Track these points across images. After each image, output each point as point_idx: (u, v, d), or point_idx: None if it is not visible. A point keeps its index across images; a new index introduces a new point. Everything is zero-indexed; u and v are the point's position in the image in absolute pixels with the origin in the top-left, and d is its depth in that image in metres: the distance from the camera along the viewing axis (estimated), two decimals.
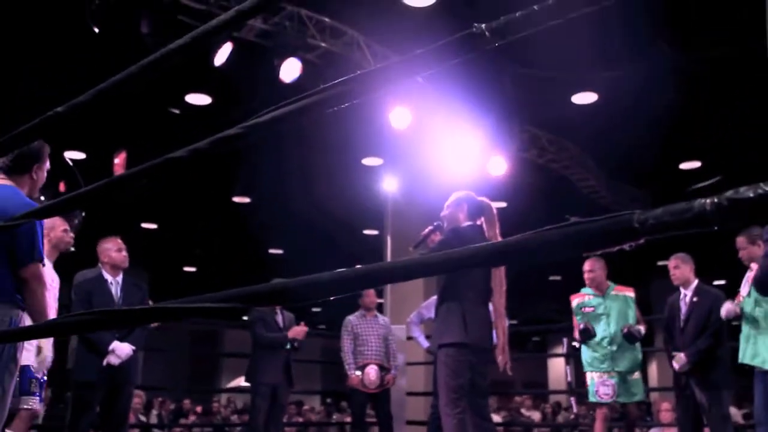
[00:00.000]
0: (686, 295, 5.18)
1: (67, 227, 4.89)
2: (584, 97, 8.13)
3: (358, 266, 1.31)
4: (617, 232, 1.00)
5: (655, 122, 8.46)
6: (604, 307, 5.42)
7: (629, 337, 5.28)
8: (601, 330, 5.36)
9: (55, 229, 4.68)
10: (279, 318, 6.27)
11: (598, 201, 10.34)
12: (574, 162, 9.67)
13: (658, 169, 10.15)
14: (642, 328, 5.36)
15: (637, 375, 5.40)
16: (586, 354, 5.46)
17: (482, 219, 4.27)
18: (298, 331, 6.22)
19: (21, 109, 3.55)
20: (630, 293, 5.52)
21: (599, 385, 5.30)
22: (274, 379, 6.11)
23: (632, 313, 5.42)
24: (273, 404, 6.16)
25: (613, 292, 5.50)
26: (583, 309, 5.49)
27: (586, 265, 5.56)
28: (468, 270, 3.91)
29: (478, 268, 3.93)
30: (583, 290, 5.61)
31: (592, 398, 5.38)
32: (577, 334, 5.49)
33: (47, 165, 3.30)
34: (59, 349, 5.09)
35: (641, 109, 8.15)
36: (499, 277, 4.14)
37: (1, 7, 6.37)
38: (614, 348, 5.30)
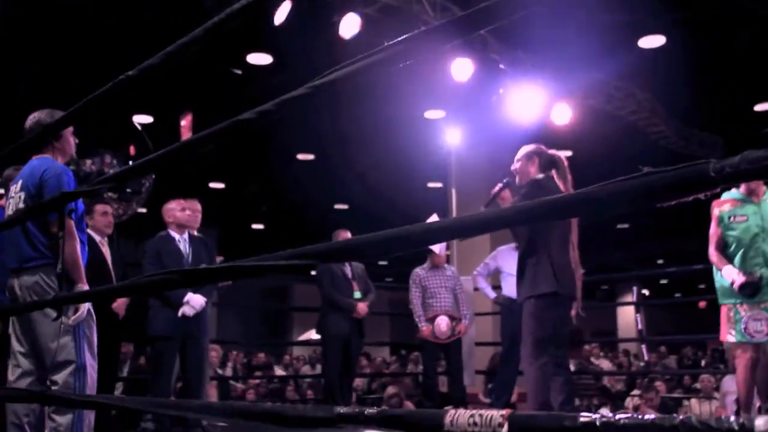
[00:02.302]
0: None
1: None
2: (652, 41, 7.86)
3: (433, 221, 1.32)
4: (693, 182, 0.99)
5: (727, 63, 8.15)
6: (759, 218, 4.21)
7: None
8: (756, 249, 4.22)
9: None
10: (347, 269, 6.33)
11: (668, 147, 10.07)
12: (642, 108, 9.41)
13: (732, 112, 9.80)
14: None
15: None
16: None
17: (554, 172, 4.22)
18: (361, 309, 6.19)
19: (21, 109, 3.74)
20: None
21: (749, 320, 4.17)
22: (344, 331, 6.20)
23: None
24: (345, 356, 6.25)
25: None
26: (732, 219, 4.27)
27: None
28: (554, 221, 3.90)
29: (561, 220, 3.90)
30: (729, 194, 4.33)
31: (740, 338, 4.23)
32: (736, 285, 4.17)
33: (69, 129, 3.53)
34: (139, 306, 5.30)
35: (712, 51, 7.85)
36: (574, 225, 4.11)
37: (1, 7, 6.50)
38: None
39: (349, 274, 6.31)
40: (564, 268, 4.02)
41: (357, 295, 6.25)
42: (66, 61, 7.27)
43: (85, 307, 3.27)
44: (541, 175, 4.20)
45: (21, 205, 3.35)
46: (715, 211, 4.38)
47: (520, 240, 4.29)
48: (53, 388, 3.14)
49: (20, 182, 3.43)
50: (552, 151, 4.28)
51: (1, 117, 7.64)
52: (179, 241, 5.19)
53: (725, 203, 4.33)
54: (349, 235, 6.27)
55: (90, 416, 3.26)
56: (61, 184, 3.23)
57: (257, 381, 10.79)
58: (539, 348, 3.97)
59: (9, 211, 3.48)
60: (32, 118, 3.49)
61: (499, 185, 4.45)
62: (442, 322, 6.48)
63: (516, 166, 4.32)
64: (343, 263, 6.25)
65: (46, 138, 3.38)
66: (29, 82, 7.62)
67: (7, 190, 3.70)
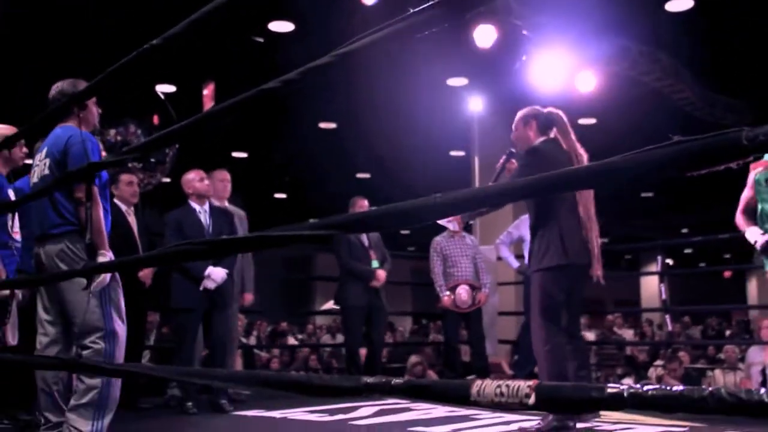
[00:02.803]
0: None
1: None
2: (679, 4, 7.70)
3: (451, 192, 1.31)
4: (725, 150, 0.97)
5: (757, 27, 7.98)
6: None
7: None
8: None
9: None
10: (364, 238, 6.29)
11: (694, 113, 9.91)
12: (667, 73, 9.26)
13: (761, 79, 9.61)
14: None
15: None
16: None
17: (554, 130, 4.11)
18: (381, 276, 6.20)
19: (21, 109, 3.75)
20: None
21: None
22: (364, 301, 6.20)
23: None
24: (368, 326, 6.27)
25: None
26: None
27: None
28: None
29: (587, 190, 3.82)
30: None
31: None
32: (759, 245, 3.89)
33: (93, 99, 3.51)
34: (165, 276, 5.36)
35: (742, 14, 7.69)
36: (589, 193, 4.02)
37: (1, 7, 6.50)
38: None
39: (366, 242, 6.28)
40: (573, 236, 3.94)
41: (375, 264, 6.23)
42: (66, 61, 7.32)
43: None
44: (539, 140, 4.08)
45: (46, 172, 3.38)
46: (751, 175, 4.04)
47: (529, 211, 4.21)
48: (84, 353, 3.17)
49: (45, 150, 3.46)
50: (548, 109, 4.14)
51: (2, 117, 7.72)
52: (200, 212, 5.21)
53: (761, 165, 3.96)
54: (366, 203, 6.25)
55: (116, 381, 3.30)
56: (86, 151, 3.24)
57: (283, 350, 10.91)
58: (548, 320, 3.91)
59: (34, 179, 3.50)
60: (55, 88, 3.50)
61: (503, 157, 4.32)
62: (463, 291, 6.48)
63: (514, 134, 4.19)
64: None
65: (70, 107, 3.38)
66: (29, 82, 7.65)
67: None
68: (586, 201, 4.00)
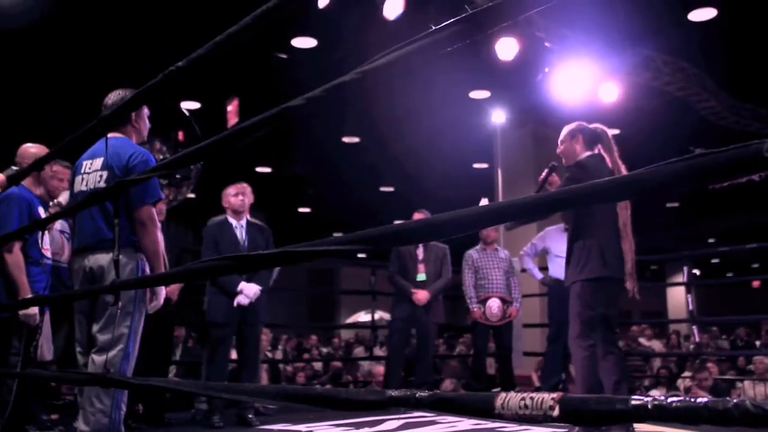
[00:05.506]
0: None
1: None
2: (702, 14, 7.67)
3: (487, 204, 1.32)
4: (746, 163, 0.97)
5: None
6: None
7: None
8: None
9: None
10: (419, 250, 6.23)
11: (718, 123, 9.84)
12: (691, 83, 9.21)
13: None
14: None
15: None
16: None
17: (599, 146, 4.18)
18: (419, 297, 6.11)
19: (21, 109, 3.74)
20: None
21: None
22: (407, 313, 6.17)
23: None
24: (418, 338, 6.29)
25: None
26: None
27: None
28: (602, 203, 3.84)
29: (611, 203, 3.86)
30: None
31: None
32: None
33: (146, 111, 3.48)
34: (192, 291, 5.39)
35: (766, 22, 7.63)
36: (626, 206, 4.05)
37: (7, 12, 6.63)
38: None
39: (420, 255, 6.23)
40: (612, 250, 3.99)
41: (421, 277, 6.17)
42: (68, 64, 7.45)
43: (162, 296, 3.29)
44: (585, 154, 4.15)
45: (102, 185, 3.19)
46: None
47: (568, 223, 4.28)
48: (96, 362, 3.06)
49: (100, 160, 3.24)
50: (595, 125, 4.23)
51: (2, 117, 7.84)
52: (236, 227, 5.24)
53: None
54: (420, 216, 6.19)
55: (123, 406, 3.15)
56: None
57: (307, 363, 10.93)
58: (586, 330, 3.95)
59: (83, 187, 3.29)
60: (117, 95, 3.35)
61: (546, 170, 4.38)
62: (494, 305, 6.47)
63: (561, 148, 4.28)
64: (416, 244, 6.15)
65: (130, 116, 3.30)
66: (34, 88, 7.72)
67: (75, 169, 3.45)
68: (625, 215, 4.04)
